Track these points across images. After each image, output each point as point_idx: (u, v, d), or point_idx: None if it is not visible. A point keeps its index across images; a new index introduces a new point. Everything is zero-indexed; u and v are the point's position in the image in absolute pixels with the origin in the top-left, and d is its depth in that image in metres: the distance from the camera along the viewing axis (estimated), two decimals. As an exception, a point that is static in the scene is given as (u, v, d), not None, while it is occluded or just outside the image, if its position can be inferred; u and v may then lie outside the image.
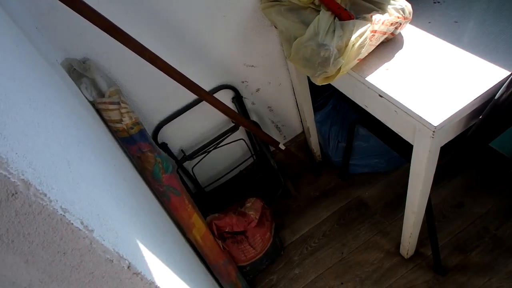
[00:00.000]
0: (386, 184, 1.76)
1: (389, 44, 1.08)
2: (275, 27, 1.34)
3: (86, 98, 1.07)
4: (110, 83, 1.13)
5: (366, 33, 0.97)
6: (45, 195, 0.40)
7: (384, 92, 0.96)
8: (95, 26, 0.92)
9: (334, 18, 1.01)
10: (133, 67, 1.19)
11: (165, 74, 1.09)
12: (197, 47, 1.28)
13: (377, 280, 1.50)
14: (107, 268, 0.50)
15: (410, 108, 0.90)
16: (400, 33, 1.09)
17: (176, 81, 1.12)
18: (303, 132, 1.86)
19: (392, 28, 1.03)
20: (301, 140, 1.88)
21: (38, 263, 0.44)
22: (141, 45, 1.01)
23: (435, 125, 0.85)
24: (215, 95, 1.37)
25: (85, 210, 0.48)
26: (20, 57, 0.66)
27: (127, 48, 0.99)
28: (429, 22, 1.10)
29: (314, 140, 1.81)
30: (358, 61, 1.03)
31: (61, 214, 0.42)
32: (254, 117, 1.64)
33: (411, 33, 1.09)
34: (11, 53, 0.62)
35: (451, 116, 0.85)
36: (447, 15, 1.10)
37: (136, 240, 0.64)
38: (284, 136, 1.84)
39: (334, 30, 0.99)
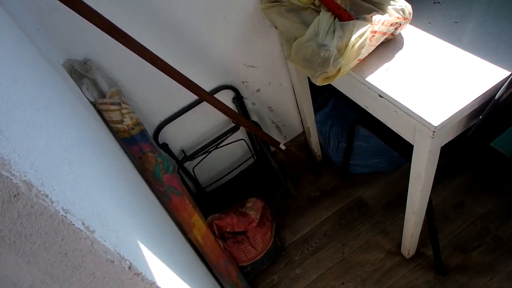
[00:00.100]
0: (387, 184, 1.76)
1: (389, 44, 1.08)
2: (275, 28, 1.34)
3: (87, 98, 1.08)
4: (111, 84, 1.13)
5: (366, 34, 0.98)
6: (47, 196, 0.40)
7: (384, 92, 0.96)
8: (95, 27, 0.92)
9: (334, 19, 1.02)
10: (134, 67, 1.19)
11: (165, 75, 1.09)
12: (198, 47, 1.28)
13: (378, 280, 1.50)
14: (108, 269, 0.50)
15: (410, 108, 0.90)
16: (400, 34, 1.09)
17: (177, 81, 1.12)
18: (303, 132, 1.86)
19: (392, 29, 1.03)
20: (301, 140, 1.88)
21: (39, 264, 0.44)
22: (142, 45, 1.01)
23: (435, 125, 0.85)
24: (216, 95, 1.37)
25: (86, 210, 0.48)
26: (21, 57, 0.66)
27: (128, 49, 1.00)
28: (429, 23, 1.10)
29: (314, 140, 1.81)
30: (358, 62, 1.03)
31: (62, 215, 0.42)
32: (254, 117, 1.65)
33: (411, 34, 1.09)
34: (13, 54, 0.62)
35: (451, 116, 0.86)
36: (447, 15, 1.10)
37: (137, 241, 0.64)
38: (285, 136, 1.84)
39: (334, 31, 0.99)
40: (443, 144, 0.98)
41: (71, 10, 0.88)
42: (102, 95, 1.11)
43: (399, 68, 1.00)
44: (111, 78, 1.18)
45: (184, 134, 1.51)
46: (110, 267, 0.50)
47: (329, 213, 1.74)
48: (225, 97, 1.48)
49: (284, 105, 1.69)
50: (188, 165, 1.60)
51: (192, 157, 1.50)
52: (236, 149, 1.72)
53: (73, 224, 0.43)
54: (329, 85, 1.13)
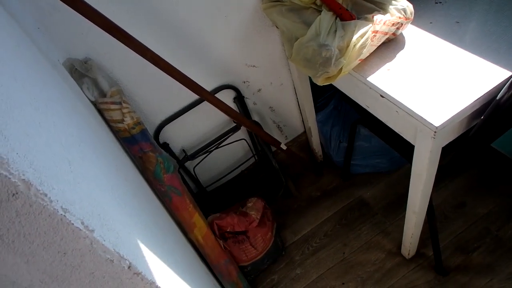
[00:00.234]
0: (388, 184, 1.76)
1: (391, 44, 1.08)
2: (277, 27, 1.34)
3: (88, 98, 1.08)
4: (111, 83, 1.13)
5: (367, 34, 0.97)
6: (46, 195, 0.40)
7: (385, 93, 0.96)
8: (96, 26, 0.92)
9: (336, 19, 1.01)
10: (134, 67, 1.19)
11: (166, 74, 1.09)
12: (199, 47, 1.28)
13: (378, 280, 1.50)
14: (108, 268, 0.50)
15: (412, 109, 0.89)
16: (401, 34, 1.09)
17: (178, 81, 1.12)
18: (304, 132, 1.86)
19: (393, 29, 1.02)
20: (302, 140, 1.88)
21: (38, 264, 0.44)
22: (143, 45, 1.01)
23: (437, 125, 0.84)
24: (217, 95, 1.37)
25: (86, 210, 0.48)
26: (21, 57, 0.66)
27: (128, 48, 1.00)
28: (431, 23, 1.09)
29: (315, 140, 1.80)
30: (359, 62, 1.03)
31: (61, 214, 0.42)
32: (255, 117, 1.64)
33: (412, 34, 1.08)
34: (13, 53, 0.62)
35: (452, 117, 0.85)
36: (449, 15, 1.10)
37: (137, 240, 0.64)
38: (286, 136, 1.84)
39: (335, 31, 0.99)
40: (444, 145, 0.98)
41: (72, 9, 0.88)
42: (103, 94, 1.11)
43: (400, 68, 1.00)
44: (112, 77, 1.18)
45: (185, 134, 1.51)
46: (109, 266, 0.50)
47: (330, 213, 1.74)
48: (226, 97, 1.47)
49: (285, 105, 1.69)
50: (189, 164, 1.59)
51: (193, 156, 1.50)
52: (237, 149, 1.72)
53: (72, 224, 0.43)
54: (330, 85, 1.13)
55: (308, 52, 1.02)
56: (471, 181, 1.66)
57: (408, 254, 1.49)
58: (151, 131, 1.38)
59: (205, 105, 1.36)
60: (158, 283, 0.60)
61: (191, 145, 1.55)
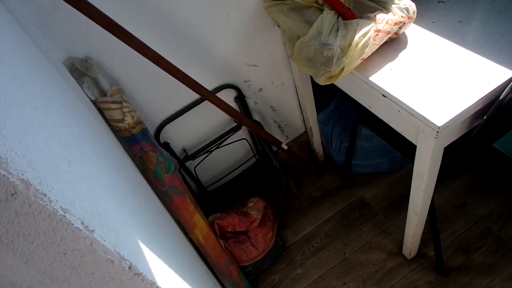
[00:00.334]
0: (389, 184, 1.76)
1: (393, 43, 1.07)
2: (278, 26, 1.34)
3: (88, 97, 1.07)
4: (112, 82, 1.13)
5: (369, 33, 0.97)
6: (45, 195, 0.39)
7: (387, 92, 0.96)
8: (97, 25, 0.92)
9: (338, 17, 1.01)
10: (135, 66, 1.18)
11: (167, 73, 1.09)
12: (200, 46, 1.27)
13: (379, 280, 1.49)
14: (108, 269, 0.50)
15: (414, 108, 0.89)
16: (404, 33, 1.08)
17: (179, 80, 1.12)
18: (305, 132, 1.86)
19: (396, 28, 1.02)
20: (303, 140, 1.88)
21: (38, 264, 0.44)
22: (144, 44, 1.01)
23: (439, 125, 0.84)
24: (218, 94, 1.37)
25: (86, 210, 0.48)
26: (21, 55, 0.66)
27: (129, 47, 0.99)
28: (433, 22, 1.09)
29: (316, 140, 1.80)
30: (361, 61, 1.02)
31: (61, 214, 0.41)
32: (256, 117, 1.64)
33: (415, 33, 1.08)
34: (12, 52, 0.62)
35: (455, 117, 0.85)
36: (451, 15, 1.09)
37: (138, 240, 0.64)
38: (287, 136, 1.83)
39: (337, 30, 0.99)
40: (446, 145, 0.97)
41: (72, 8, 0.87)
42: (103, 93, 1.10)
43: (402, 68, 1.00)
44: (112, 76, 1.17)
45: (185, 133, 1.50)
46: (109, 267, 0.50)
47: (331, 213, 1.73)
48: (227, 96, 1.47)
49: (286, 104, 1.69)
50: (190, 164, 1.59)
51: (194, 156, 1.49)
52: (238, 148, 1.72)
53: (72, 224, 0.43)
54: (332, 84, 1.12)
55: (309, 51, 1.02)
56: (473, 181, 1.66)
57: (409, 254, 1.49)
58: (151, 130, 1.38)
59: (206, 105, 1.35)
60: (159, 283, 0.59)
61: (192, 145, 1.55)
